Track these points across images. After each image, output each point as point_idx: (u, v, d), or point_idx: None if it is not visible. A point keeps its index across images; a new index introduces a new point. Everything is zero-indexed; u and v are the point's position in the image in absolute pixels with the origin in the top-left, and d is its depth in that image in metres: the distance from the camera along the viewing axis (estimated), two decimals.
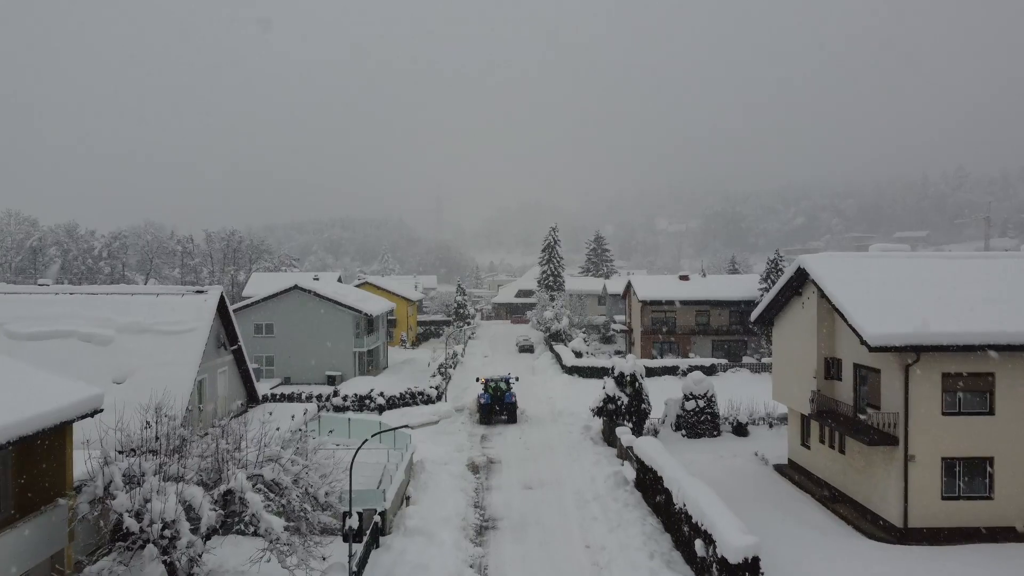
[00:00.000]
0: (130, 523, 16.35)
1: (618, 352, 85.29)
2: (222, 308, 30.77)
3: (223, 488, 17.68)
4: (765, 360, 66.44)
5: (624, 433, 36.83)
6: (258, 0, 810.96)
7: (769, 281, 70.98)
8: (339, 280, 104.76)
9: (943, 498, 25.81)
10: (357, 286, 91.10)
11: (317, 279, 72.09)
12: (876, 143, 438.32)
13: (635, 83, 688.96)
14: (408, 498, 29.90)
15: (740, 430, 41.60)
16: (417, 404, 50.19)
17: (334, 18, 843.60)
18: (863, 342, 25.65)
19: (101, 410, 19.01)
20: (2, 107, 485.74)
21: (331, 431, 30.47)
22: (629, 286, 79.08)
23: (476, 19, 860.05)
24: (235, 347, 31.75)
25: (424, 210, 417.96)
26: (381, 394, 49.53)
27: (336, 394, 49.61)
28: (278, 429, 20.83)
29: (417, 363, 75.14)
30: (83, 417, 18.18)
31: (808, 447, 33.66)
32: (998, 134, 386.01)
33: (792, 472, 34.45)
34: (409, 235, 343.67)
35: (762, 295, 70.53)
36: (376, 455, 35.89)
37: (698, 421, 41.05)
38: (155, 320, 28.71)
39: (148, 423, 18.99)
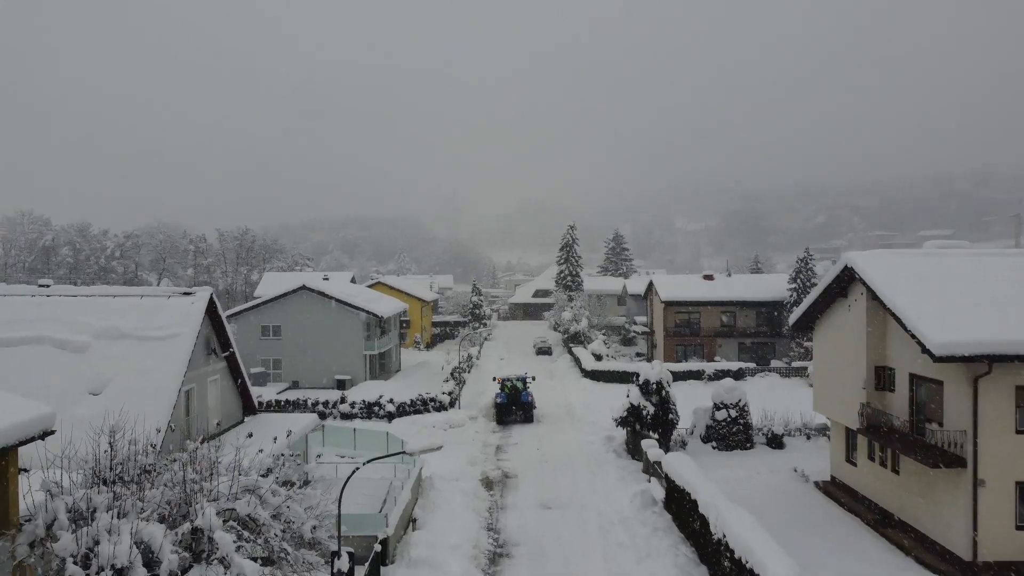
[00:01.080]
0: (74, 571, 13.73)
1: (639, 355, 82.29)
2: (212, 311, 28.22)
3: (189, 526, 15.04)
4: (796, 364, 63.23)
5: (651, 447, 33.96)
6: (267, 1, 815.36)
7: (798, 281, 67.67)
8: (352, 280, 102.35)
9: (1017, 528, 22.76)
10: (370, 286, 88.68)
11: (327, 279, 69.61)
12: (895, 140, 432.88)
13: (647, 80, 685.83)
14: (414, 521, 27.21)
15: (775, 442, 38.58)
16: (429, 411, 47.57)
17: (342, 19, 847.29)
18: (925, 350, 22.65)
19: (52, 431, 16.46)
20: (10, 106, 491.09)
21: (318, 456, 27.72)
22: (651, 286, 76.01)
23: (483, 18, 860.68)
24: (227, 353, 29.20)
25: (439, 209, 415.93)
26: (391, 400, 46.89)
27: (343, 400, 47.05)
28: (260, 452, 18.18)
29: (431, 366, 72.52)
30: (30, 440, 15.65)
31: (854, 464, 30.64)
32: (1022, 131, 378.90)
33: (836, 491, 31.43)
34: (425, 235, 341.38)
35: (791, 295, 67.35)
36: (381, 470, 33.25)
37: (730, 432, 38.08)
38: (136, 324, 26.21)
39: (111, 445, 16.39)
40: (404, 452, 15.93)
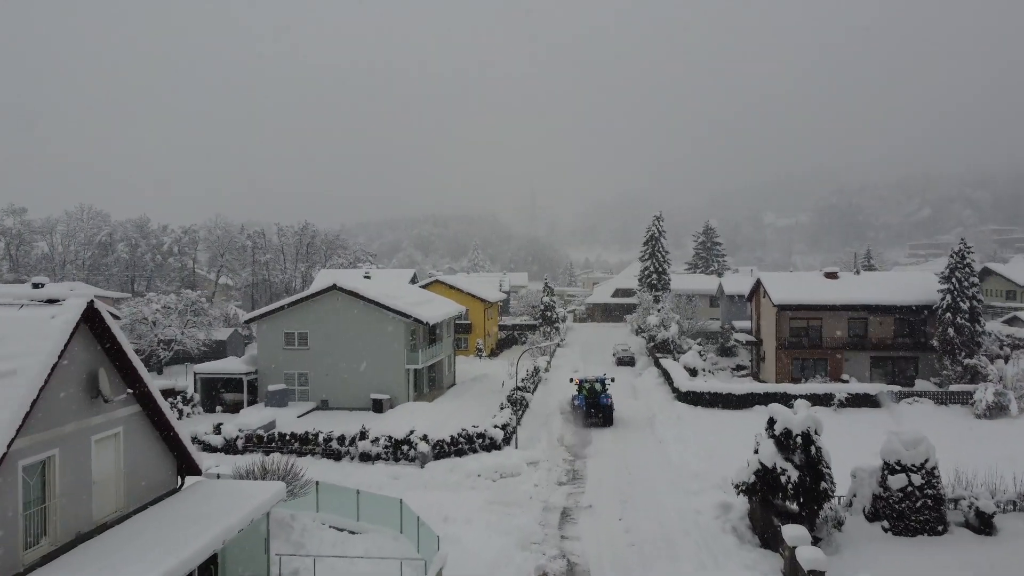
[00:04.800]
0: None
1: (740, 368, 69.04)
2: (97, 329, 17.61)
3: None
4: (954, 387, 49.21)
5: (799, 540, 21.69)
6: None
7: (953, 280, 53.25)
8: (414, 279, 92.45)
9: None
10: (424, 286, 78.25)
11: (368, 276, 59.22)
12: (1013, 129, 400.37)
13: (728, 70, 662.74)
14: None
15: (982, 523, 25.57)
16: (476, 451, 36.24)
17: (403, 26, 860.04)
18: None
19: None
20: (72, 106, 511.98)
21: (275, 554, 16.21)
22: (758, 285, 62.66)
23: (544, 14, 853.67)
24: (124, 396, 18.53)
25: (519, 207, 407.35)
26: (424, 437, 35.70)
27: (364, 436, 36.15)
28: None
29: (491, 380, 61.32)
30: None
31: None
32: None
33: None
34: (502, 231, 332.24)
35: (945, 299, 53.27)
36: (386, 567, 22.30)
37: (912, 508, 25.31)
38: None
39: None
40: None
